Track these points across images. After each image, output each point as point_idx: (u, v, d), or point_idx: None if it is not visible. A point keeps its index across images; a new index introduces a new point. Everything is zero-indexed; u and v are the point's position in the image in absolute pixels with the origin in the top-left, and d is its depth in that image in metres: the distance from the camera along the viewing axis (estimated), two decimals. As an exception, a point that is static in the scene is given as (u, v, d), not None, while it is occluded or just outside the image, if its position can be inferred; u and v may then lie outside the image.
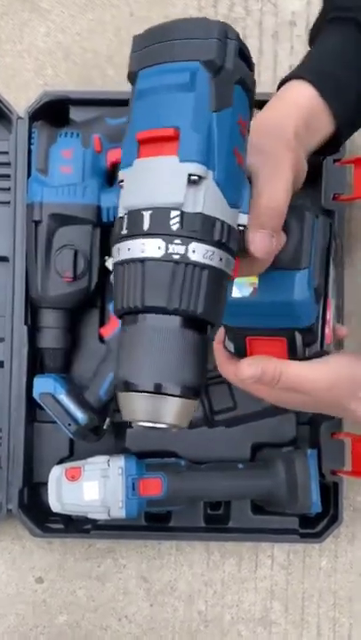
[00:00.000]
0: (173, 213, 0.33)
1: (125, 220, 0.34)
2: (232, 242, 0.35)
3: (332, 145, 0.51)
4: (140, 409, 0.34)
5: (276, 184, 0.41)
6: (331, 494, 0.75)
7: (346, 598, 0.81)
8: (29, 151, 0.76)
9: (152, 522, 0.78)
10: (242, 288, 0.50)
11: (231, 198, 0.35)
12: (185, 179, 0.33)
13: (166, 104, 0.34)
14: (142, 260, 0.33)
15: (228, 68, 0.34)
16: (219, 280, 0.34)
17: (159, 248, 0.33)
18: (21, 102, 0.82)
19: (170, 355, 0.33)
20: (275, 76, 0.83)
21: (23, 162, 0.76)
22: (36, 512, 0.76)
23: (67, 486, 0.70)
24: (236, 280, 0.47)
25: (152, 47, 0.36)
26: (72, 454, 0.78)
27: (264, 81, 0.84)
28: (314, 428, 0.78)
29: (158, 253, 0.33)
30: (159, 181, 0.33)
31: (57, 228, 0.74)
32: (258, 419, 0.76)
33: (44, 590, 0.81)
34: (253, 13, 0.85)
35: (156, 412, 0.34)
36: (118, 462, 0.71)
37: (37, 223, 0.74)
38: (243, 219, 0.37)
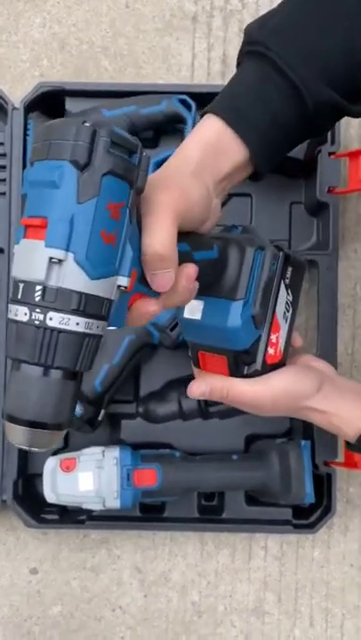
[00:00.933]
0: (37, 288, 0.41)
1: (12, 287, 0.43)
2: (92, 307, 0.42)
3: (258, 167, 0.55)
4: (17, 438, 0.42)
5: (150, 233, 0.46)
6: (324, 485, 0.76)
7: (338, 589, 0.81)
8: (25, 142, 0.76)
9: (146, 513, 0.78)
10: (190, 309, 0.58)
11: (95, 273, 0.41)
12: (46, 260, 0.40)
13: (42, 197, 0.41)
14: (15, 322, 0.41)
15: (95, 164, 0.41)
16: (76, 340, 0.41)
17: (25, 314, 0.41)
18: (17, 93, 0.82)
19: (37, 396, 0.41)
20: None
21: (19, 153, 0.76)
22: (31, 503, 0.76)
23: (62, 477, 0.70)
24: (188, 304, 0.57)
25: (42, 143, 0.42)
26: (67, 445, 0.79)
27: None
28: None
29: (24, 318, 0.41)
30: (31, 260, 0.41)
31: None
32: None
33: (39, 581, 0.81)
34: (249, 6, 0.85)
35: (30, 440, 0.42)
36: (113, 453, 0.71)
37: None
38: (122, 281, 0.43)
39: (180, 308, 0.59)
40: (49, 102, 0.77)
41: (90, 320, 0.42)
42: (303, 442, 0.74)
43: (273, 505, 0.76)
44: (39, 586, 0.81)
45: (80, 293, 0.41)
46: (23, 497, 0.76)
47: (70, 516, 0.77)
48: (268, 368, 0.59)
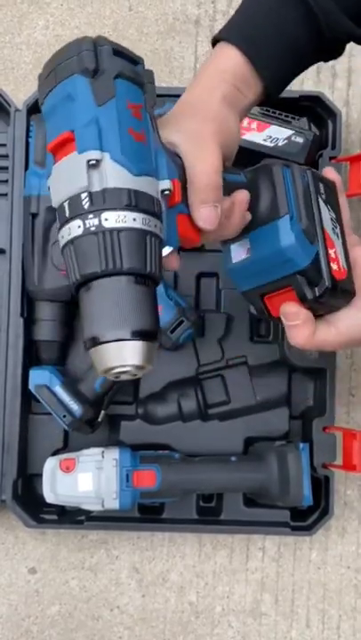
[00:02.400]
0: (83, 195, 0.39)
1: (57, 216, 0.41)
2: (143, 203, 0.40)
3: (270, 95, 0.54)
4: (107, 357, 0.39)
5: (203, 161, 0.46)
6: (322, 488, 0.76)
7: (335, 591, 0.82)
8: (27, 144, 0.76)
9: (145, 513, 0.78)
10: (236, 253, 0.55)
11: (135, 169, 0.40)
12: (85, 166, 0.39)
13: (61, 115, 0.41)
14: (72, 241, 0.40)
15: (104, 68, 0.41)
16: (139, 237, 0.40)
17: (79, 227, 0.39)
18: (19, 95, 0.82)
19: (117, 308, 0.39)
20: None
21: (21, 154, 0.77)
22: (30, 503, 0.77)
23: (61, 477, 0.71)
24: (231, 246, 0.55)
25: (47, 78, 0.42)
26: (66, 446, 0.79)
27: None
28: (306, 422, 0.79)
29: (79, 231, 0.39)
30: (68, 175, 0.40)
31: (54, 221, 0.73)
32: (251, 413, 0.77)
33: (37, 581, 0.81)
34: (252, 10, 0.85)
35: (122, 356, 0.39)
36: (113, 454, 0.71)
37: (34, 216, 0.74)
38: (164, 184, 0.42)
39: (227, 260, 0.56)
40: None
41: (146, 216, 0.40)
42: (302, 444, 0.74)
43: (271, 507, 0.77)
44: (38, 585, 0.81)
45: (127, 190, 0.40)
46: (22, 497, 0.76)
47: (69, 517, 0.77)
48: (339, 285, 0.54)
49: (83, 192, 0.39)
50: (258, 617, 0.81)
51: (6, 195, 0.77)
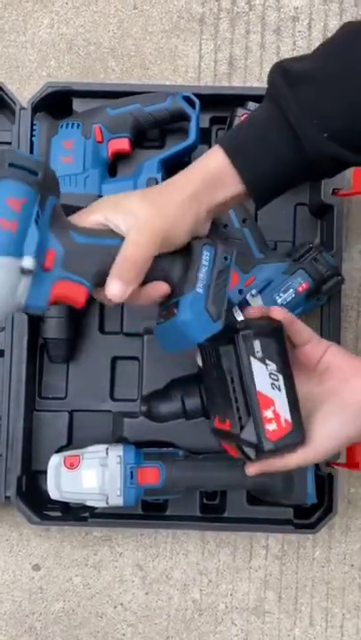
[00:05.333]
0: None
1: None
2: None
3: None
4: None
5: (136, 246, 0.52)
6: (325, 486, 0.76)
7: (339, 589, 0.82)
8: (32, 142, 0.77)
9: (149, 511, 0.78)
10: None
11: None
12: None
13: None
14: None
15: None
16: None
17: None
18: (24, 93, 0.83)
19: None
20: (276, 71, 0.84)
21: (26, 152, 0.77)
22: (34, 500, 0.77)
23: (65, 474, 0.71)
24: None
25: None
26: (70, 443, 0.79)
27: (265, 76, 0.84)
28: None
29: None
30: None
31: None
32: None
33: (41, 577, 0.82)
34: (256, 8, 0.85)
35: None
36: (117, 451, 0.71)
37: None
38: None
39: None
40: (56, 102, 0.78)
41: None
42: (305, 442, 0.74)
43: (274, 505, 0.77)
44: (41, 582, 0.82)
45: None
46: (27, 494, 0.77)
47: (73, 514, 0.77)
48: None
49: None
50: (261, 615, 0.82)
51: (11, 192, 0.78)
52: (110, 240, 0.53)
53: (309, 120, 0.53)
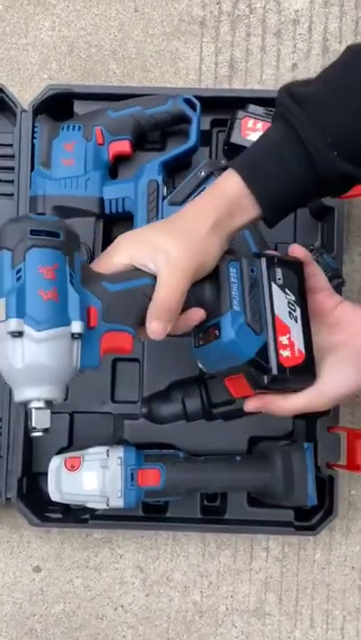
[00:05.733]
0: None
1: None
2: None
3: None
4: None
5: (169, 286, 0.53)
6: (326, 488, 0.76)
7: (340, 591, 0.82)
8: (33, 144, 0.77)
9: (149, 512, 0.78)
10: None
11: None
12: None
13: None
14: None
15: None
16: None
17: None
18: (25, 96, 0.83)
19: None
20: (277, 73, 0.84)
21: (27, 155, 0.77)
22: (35, 501, 0.77)
23: (66, 476, 0.71)
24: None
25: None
26: (71, 445, 0.79)
27: (266, 79, 0.85)
28: (310, 422, 0.79)
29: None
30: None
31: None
32: (255, 412, 0.77)
33: (42, 579, 0.82)
34: (257, 11, 0.85)
35: None
36: (117, 453, 0.71)
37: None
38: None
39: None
40: (57, 105, 0.78)
41: None
42: (306, 444, 0.74)
43: (275, 506, 0.77)
44: (42, 584, 0.82)
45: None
46: (27, 495, 0.77)
47: (73, 515, 0.77)
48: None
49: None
50: (262, 617, 0.81)
51: (12, 195, 0.78)
52: (142, 280, 0.54)
53: (320, 137, 0.54)
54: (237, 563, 0.82)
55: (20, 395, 0.50)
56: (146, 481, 0.71)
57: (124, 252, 0.54)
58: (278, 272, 0.58)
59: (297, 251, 0.60)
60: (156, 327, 0.53)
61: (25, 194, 0.77)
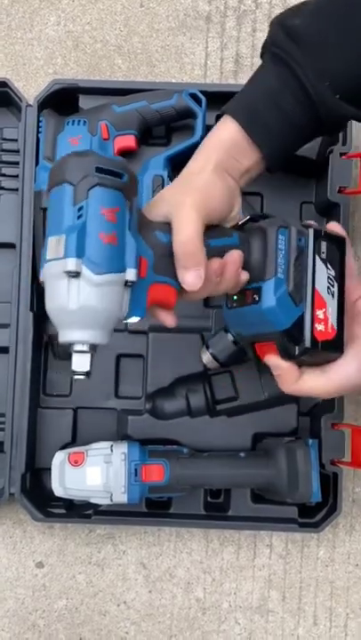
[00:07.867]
0: None
1: None
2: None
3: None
4: None
5: (179, 232, 0.51)
6: (330, 485, 0.76)
7: (343, 588, 0.81)
8: (38, 139, 0.77)
9: (153, 508, 0.78)
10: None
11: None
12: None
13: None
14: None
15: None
16: None
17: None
18: (30, 90, 0.83)
19: None
20: (283, 69, 0.84)
21: (31, 149, 0.77)
22: (38, 497, 0.77)
23: (70, 471, 0.71)
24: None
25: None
26: (75, 440, 0.79)
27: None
28: (315, 418, 0.78)
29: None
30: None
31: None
32: (259, 409, 0.77)
33: (44, 575, 0.82)
34: (263, 6, 0.85)
35: None
36: (121, 448, 0.71)
37: (45, 211, 0.74)
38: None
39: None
40: (62, 99, 0.78)
41: None
42: (310, 440, 0.74)
43: (278, 503, 0.76)
44: (45, 579, 0.82)
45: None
46: (31, 491, 0.77)
47: (77, 511, 0.77)
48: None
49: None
50: (265, 614, 0.81)
51: (17, 189, 0.78)
52: None
53: (322, 82, 0.53)
54: (241, 559, 0.82)
55: (67, 336, 0.49)
56: (150, 476, 0.71)
57: (153, 213, 0.54)
58: (323, 245, 0.58)
59: (337, 228, 0.60)
60: (186, 277, 0.52)
61: (30, 188, 0.76)
